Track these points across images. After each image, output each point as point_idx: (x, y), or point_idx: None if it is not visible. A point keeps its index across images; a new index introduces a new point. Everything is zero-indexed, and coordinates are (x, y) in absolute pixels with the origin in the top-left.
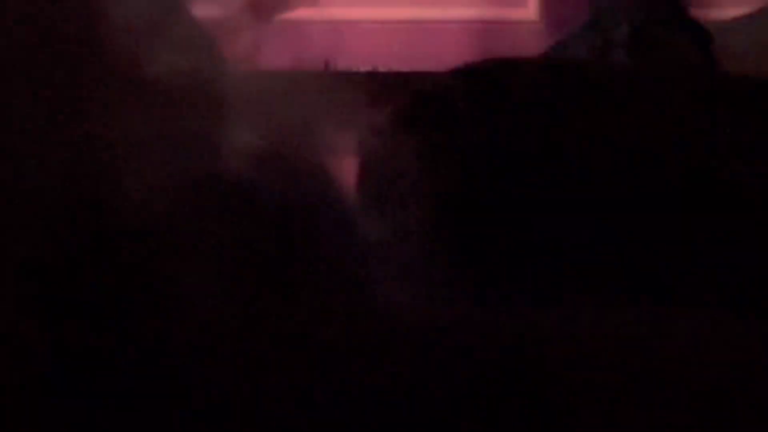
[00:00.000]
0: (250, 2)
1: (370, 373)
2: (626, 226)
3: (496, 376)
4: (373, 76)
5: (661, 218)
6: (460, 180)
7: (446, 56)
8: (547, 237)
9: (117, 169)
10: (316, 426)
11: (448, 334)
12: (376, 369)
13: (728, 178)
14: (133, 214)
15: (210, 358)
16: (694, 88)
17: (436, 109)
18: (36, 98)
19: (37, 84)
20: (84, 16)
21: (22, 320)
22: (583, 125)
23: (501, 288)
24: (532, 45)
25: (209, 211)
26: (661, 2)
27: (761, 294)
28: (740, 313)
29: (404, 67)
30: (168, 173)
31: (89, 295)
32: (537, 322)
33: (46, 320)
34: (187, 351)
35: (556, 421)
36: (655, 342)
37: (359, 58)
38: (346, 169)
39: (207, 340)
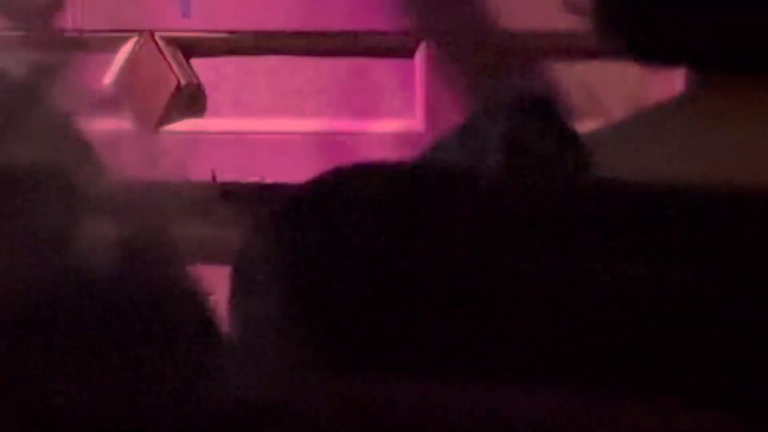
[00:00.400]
0: (136, 111)
1: None
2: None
3: None
4: (251, 187)
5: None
6: (313, 282)
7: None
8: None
9: None
10: None
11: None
12: None
13: (591, 282)
14: None
15: None
16: (562, 195)
17: (293, 216)
18: None
19: None
20: None
21: None
22: (434, 229)
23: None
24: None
25: (62, 306)
26: (536, 109)
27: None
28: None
29: (292, 179)
30: (20, 267)
31: None
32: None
33: None
34: None
35: None
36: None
37: (249, 170)
38: (215, 275)
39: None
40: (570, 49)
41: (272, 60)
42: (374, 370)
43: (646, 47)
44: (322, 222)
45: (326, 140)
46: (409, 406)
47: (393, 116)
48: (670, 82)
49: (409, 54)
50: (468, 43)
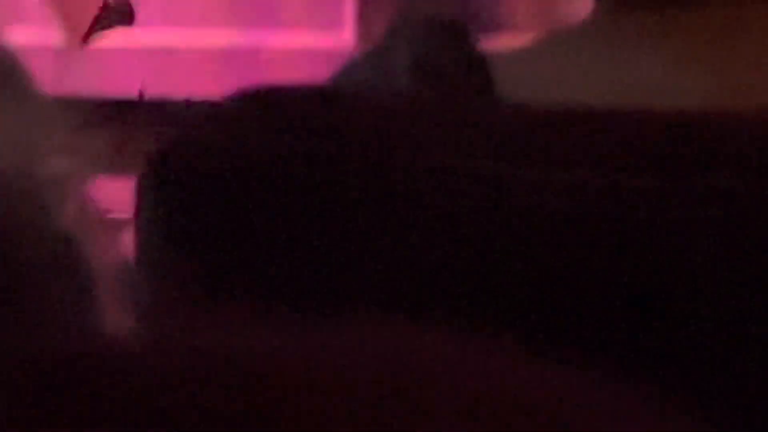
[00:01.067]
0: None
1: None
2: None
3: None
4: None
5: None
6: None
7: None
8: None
9: None
10: None
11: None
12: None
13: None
14: None
15: None
16: (472, 116)
17: (204, 133)
18: None
19: None
20: None
21: None
22: (343, 154)
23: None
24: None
25: None
26: (446, 30)
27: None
28: None
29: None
30: None
31: None
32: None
33: None
34: None
35: None
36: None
37: (176, 86)
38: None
39: None
40: None
41: None
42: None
43: None
44: (229, 144)
45: (253, 55)
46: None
47: (322, 30)
48: (576, 5)
49: None
50: None
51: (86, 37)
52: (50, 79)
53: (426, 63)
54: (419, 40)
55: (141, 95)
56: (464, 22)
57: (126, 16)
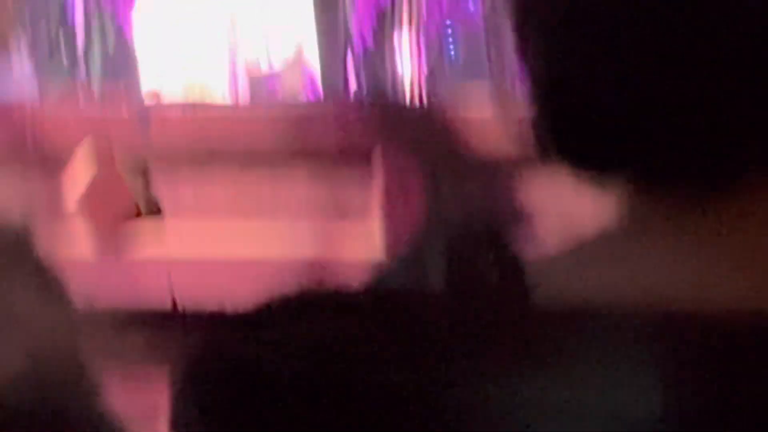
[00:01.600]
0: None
1: None
2: None
3: None
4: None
5: None
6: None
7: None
8: None
9: None
10: None
11: None
12: None
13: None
14: None
15: None
16: (506, 319)
17: (242, 337)
18: None
19: None
20: None
21: None
22: (380, 356)
23: None
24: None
25: None
26: (478, 235)
27: None
28: None
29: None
30: None
31: None
32: None
33: None
34: None
35: None
36: None
37: (208, 297)
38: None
39: None
40: (516, 175)
41: (231, 185)
42: None
43: (589, 168)
44: (261, 353)
45: (286, 265)
46: None
47: (352, 238)
48: (609, 206)
49: (366, 174)
50: (422, 167)
51: (120, 249)
52: (86, 290)
53: (458, 268)
54: (452, 242)
55: (174, 305)
56: (497, 228)
57: (155, 206)
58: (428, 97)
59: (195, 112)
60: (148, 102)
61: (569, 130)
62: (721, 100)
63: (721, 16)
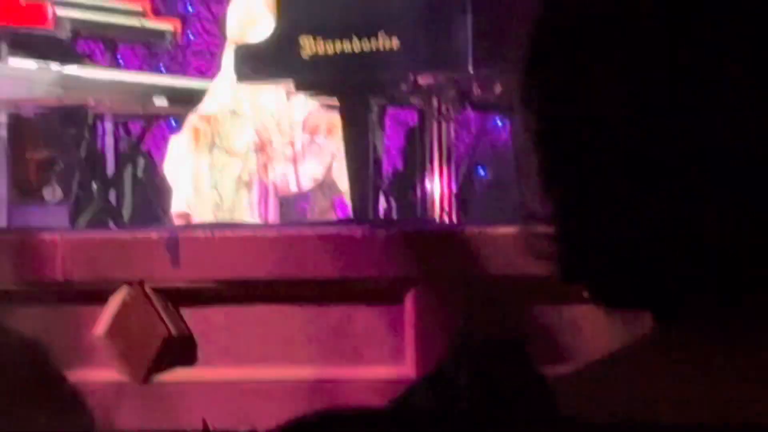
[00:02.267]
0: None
1: None
2: None
3: None
4: None
5: None
6: None
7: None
8: None
9: None
10: None
11: None
12: None
13: None
14: None
15: None
16: None
17: None
18: None
19: None
20: None
21: None
22: None
23: None
24: None
25: None
26: (505, 353)
27: None
28: None
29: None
30: None
31: None
32: None
33: None
34: None
35: None
36: None
37: (240, 419)
38: None
39: None
40: (542, 294)
41: (261, 309)
42: None
43: (609, 294)
44: None
45: (316, 388)
46: None
47: (383, 363)
48: (631, 325)
49: (398, 300)
50: (453, 289)
51: (148, 374)
52: (113, 414)
53: (486, 383)
54: (479, 361)
55: (205, 427)
56: (522, 343)
57: (189, 354)
58: (458, 216)
59: (224, 233)
60: (177, 224)
61: (586, 259)
62: (726, 235)
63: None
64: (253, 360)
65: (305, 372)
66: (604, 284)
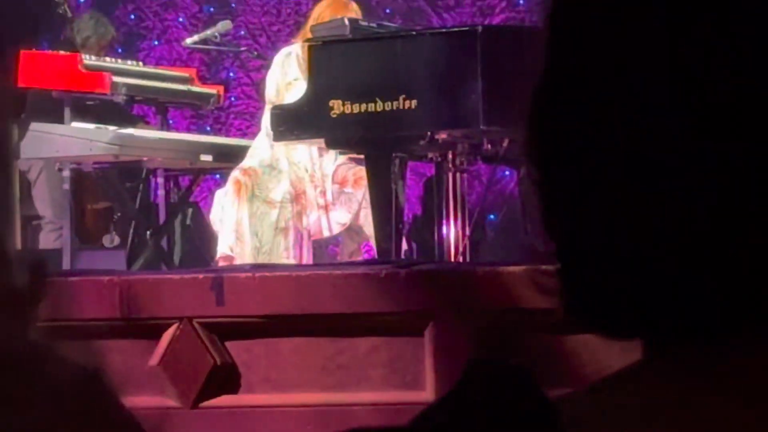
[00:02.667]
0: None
1: None
2: None
3: None
4: None
5: None
6: None
7: None
8: None
9: None
10: None
11: None
12: None
13: None
14: None
15: None
16: None
17: None
18: None
19: None
20: None
21: None
22: None
23: None
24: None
25: None
26: (512, 377)
27: None
28: None
29: None
30: None
31: None
32: None
33: None
34: None
35: None
36: None
37: None
38: None
39: None
40: (546, 324)
41: (297, 341)
42: None
43: (608, 325)
44: None
45: (346, 412)
46: None
47: (406, 388)
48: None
49: (419, 332)
50: (467, 321)
51: (195, 400)
52: None
53: (495, 405)
54: (488, 384)
55: None
56: (528, 368)
57: (233, 382)
58: (470, 256)
59: (263, 273)
60: (222, 265)
61: (584, 294)
62: (715, 281)
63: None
64: (290, 387)
65: (336, 397)
66: (601, 316)
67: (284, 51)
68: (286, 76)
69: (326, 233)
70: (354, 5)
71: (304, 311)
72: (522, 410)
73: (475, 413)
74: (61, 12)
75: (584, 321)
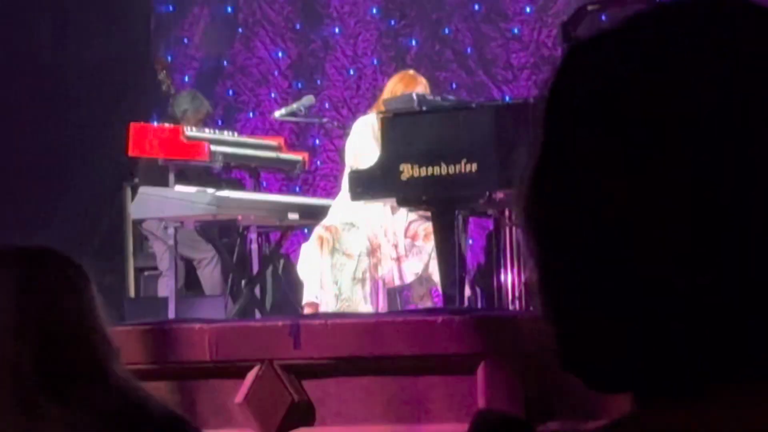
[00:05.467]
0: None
1: None
2: None
3: None
4: None
5: None
6: None
7: None
8: None
9: None
10: None
11: None
12: None
13: None
14: None
15: None
16: None
17: None
18: None
19: None
20: None
21: None
22: None
23: None
24: None
25: None
26: (513, 428)
27: None
28: None
29: None
30: None
31: None
32: None
33: None
34: None
35: None
36: None
37: None
38: None
39: None
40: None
41: (365, 380)
42: None
43: (600, 382)
44: None
45: None
46: None
47: (460, 422)
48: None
49: (471, 371)
50: (515, 362)
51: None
52: None
53: None
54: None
55: None
56: (528, 421)
57: (309, 417)
58: (527, 302)
59: (335, 320)
60: (308, 312)
61: (575, 353)
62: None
63: None
64: (359, 421)
65: (398, 429)
66: (591, 372)
67: (361, 120)
68: (363, 143)
69: (398, 282)
70: (422, 79)
71: (370, 354)
72: None
73: None
74: (164, 89)
75: (578, 376)
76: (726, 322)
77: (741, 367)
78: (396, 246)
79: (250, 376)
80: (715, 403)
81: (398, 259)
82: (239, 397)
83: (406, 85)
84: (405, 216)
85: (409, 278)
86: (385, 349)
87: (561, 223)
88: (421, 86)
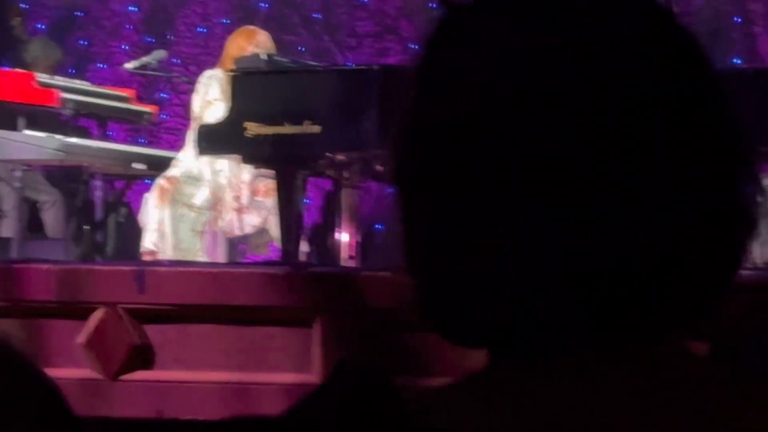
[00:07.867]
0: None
1: None
2: None
3: None
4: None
5: None
6: None
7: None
8: None
9: None
10: None
11: None
12: None
13: None
14: None
15: None
16: None
17: None
18: None
19: None
20: None
21: None
22: None
23: None
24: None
25: None
26: (372, 382)
27: None
28: None
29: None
30: None
31: None
32: None
33: None
34: None
35: None
36: None
37: (187, 411)
38: None
39: None
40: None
41: (205, 327)
42: None
43: (458, 336)
44: None
45: (241, 389)
46: None
47: (296, 371)
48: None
49: (308, 324)
50: (350, 316)
51: (116, 374)
52: (85, 405)
53: (358, 405)
54: (353, 386)
55: (159, 416)
56: (387, 371)
57: (148, 360)
58: (360, 259)
59: (178, 268)
60: (146, 259)
61: (434, 304)
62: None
63: None
64: (197, 366)
65: (235, 377)
66: (449, 325)
67: (207, 73)
68: (207, 96)
69: (237, 232)
70: (263, 33)
71: (211, 302)
72: (375, 410)
73: (334, 409)
74: (16, 33)
75: (436, 329)
76: (583, 293)
77: (594, 339)
78: (239, 198)
79: (94, 318)
80: (563, 373)
81: (239, 210)
82: (81, 338)
83: (247, 38)
84: (250, 169)
85: (248, 230)
86: (227, 299)
87: (432, 178)
88: (263, 36)
